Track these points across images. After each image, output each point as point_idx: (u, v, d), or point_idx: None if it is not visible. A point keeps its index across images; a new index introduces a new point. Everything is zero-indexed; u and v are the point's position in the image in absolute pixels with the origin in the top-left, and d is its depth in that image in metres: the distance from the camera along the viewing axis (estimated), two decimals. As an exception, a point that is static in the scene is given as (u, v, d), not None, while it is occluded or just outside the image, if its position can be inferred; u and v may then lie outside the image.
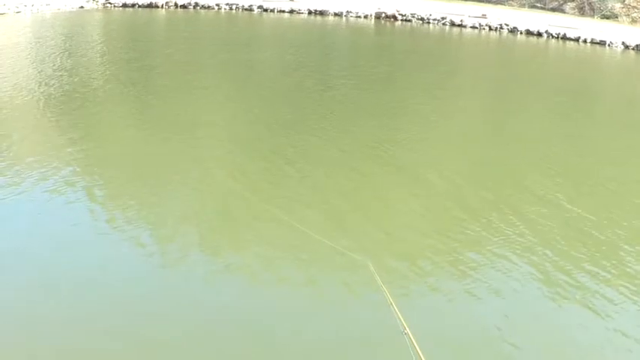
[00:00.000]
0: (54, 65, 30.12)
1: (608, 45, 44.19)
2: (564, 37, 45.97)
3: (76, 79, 27.55)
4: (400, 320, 8.74)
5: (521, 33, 47.51)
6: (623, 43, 44.07)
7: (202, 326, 11.54)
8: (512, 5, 55.38)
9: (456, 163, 20.02)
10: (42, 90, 25.72)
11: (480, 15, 50.39)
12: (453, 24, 49.80)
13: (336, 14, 51.71)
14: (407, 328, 8.65)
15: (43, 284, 12.56)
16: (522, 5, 55.32)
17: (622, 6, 51.63)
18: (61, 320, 11.58)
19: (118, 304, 12.04)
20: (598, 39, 44.86)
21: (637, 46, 43.49)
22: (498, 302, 12.81)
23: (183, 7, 51.40)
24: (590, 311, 12.57)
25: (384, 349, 10.72)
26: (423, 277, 13.49)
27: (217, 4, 51.76)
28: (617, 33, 45.89)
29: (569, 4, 53.64)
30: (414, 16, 51.10)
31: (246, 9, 51.74)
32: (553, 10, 53.73)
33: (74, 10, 48.68)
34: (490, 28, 48.65)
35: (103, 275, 12.89)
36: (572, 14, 52.87)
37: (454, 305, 12.63)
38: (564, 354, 11.44)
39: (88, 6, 49.82)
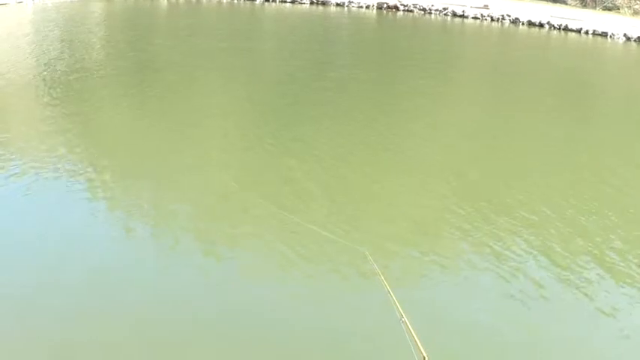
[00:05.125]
0: (53, 55, 30.19)
1: (610, 36, 44.15)
2: (566, 29, 45.92)
3: (76, 68, 27.64)
4: (397, 308, 8.86)
5: (523, 24, 47.45)
6: (624, 34, 44.00)
7: (197, 316, 11.63)
8: (514, -4, 55.24)
9: (454, 154, 20.14)
10: (39, 78, 25.84)
11: (482, 6, 50.27)
12: (454, 14, 49.74)
13: (337, 4, 51.63)
14: (404, 316, 8.75)
15: (38, 268, 12.69)
16: (524, -4, 55.18)
17: (624, -3, 51.51)
18: (56, 309, 11.64)
19: (113, 295, 12.12)
20: (600, 30, 44.80)
21: (638, 37, 43.43)
22: (494, 291, 12.98)
23: (185, -4, 51.41)
24: (583, 302, 12.76)
25: (382, 336, 10.89)
26: (420, 266, 13.66)
27: (219, -6, 51.78)
28: (618, 24, 45.80)
29: (571, -5, 53.52)
30: (415, 7, 51.03)
31: (248, -1, 51.69)
32: (555, 1, 53.57)
33: (76, -1, 48.62)
34: (492, 19, 48.60)
35: (98, 265, 12.99)
36: (574, 5, 52.72)
37: (451, 294, 12.81)
38: (556, 344, 11.62)
39: (89, -5, 49.78)
